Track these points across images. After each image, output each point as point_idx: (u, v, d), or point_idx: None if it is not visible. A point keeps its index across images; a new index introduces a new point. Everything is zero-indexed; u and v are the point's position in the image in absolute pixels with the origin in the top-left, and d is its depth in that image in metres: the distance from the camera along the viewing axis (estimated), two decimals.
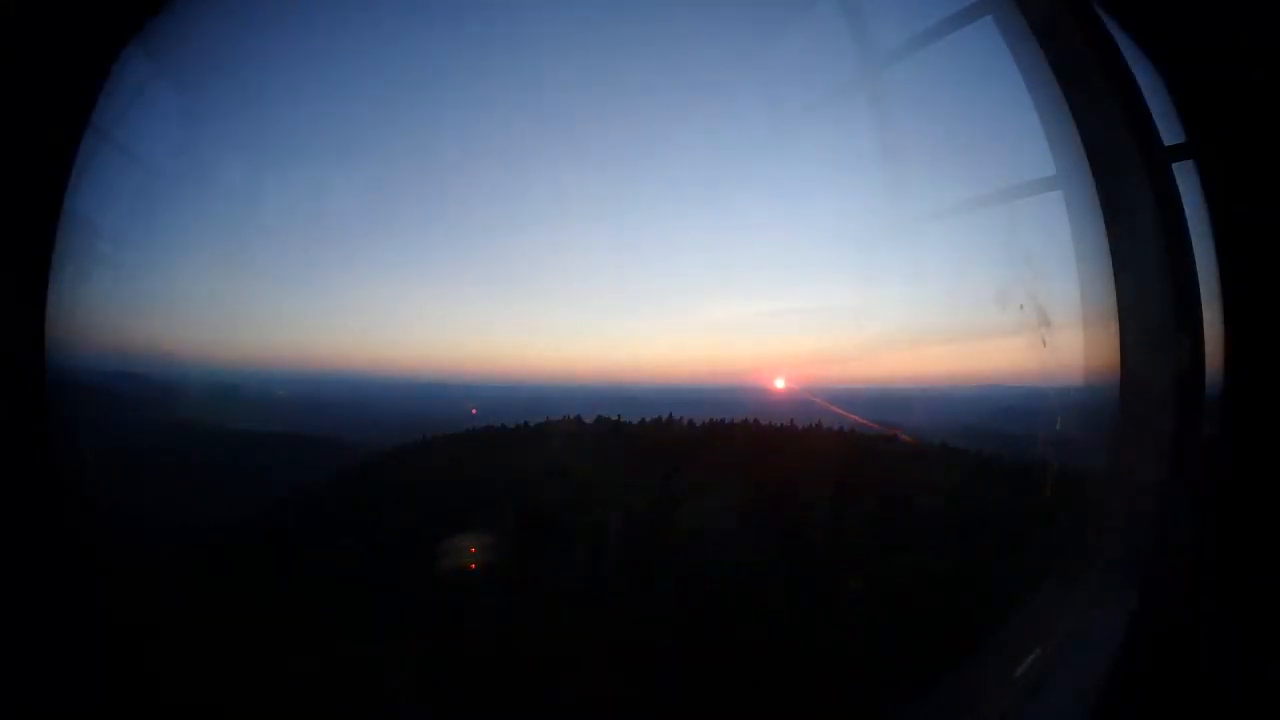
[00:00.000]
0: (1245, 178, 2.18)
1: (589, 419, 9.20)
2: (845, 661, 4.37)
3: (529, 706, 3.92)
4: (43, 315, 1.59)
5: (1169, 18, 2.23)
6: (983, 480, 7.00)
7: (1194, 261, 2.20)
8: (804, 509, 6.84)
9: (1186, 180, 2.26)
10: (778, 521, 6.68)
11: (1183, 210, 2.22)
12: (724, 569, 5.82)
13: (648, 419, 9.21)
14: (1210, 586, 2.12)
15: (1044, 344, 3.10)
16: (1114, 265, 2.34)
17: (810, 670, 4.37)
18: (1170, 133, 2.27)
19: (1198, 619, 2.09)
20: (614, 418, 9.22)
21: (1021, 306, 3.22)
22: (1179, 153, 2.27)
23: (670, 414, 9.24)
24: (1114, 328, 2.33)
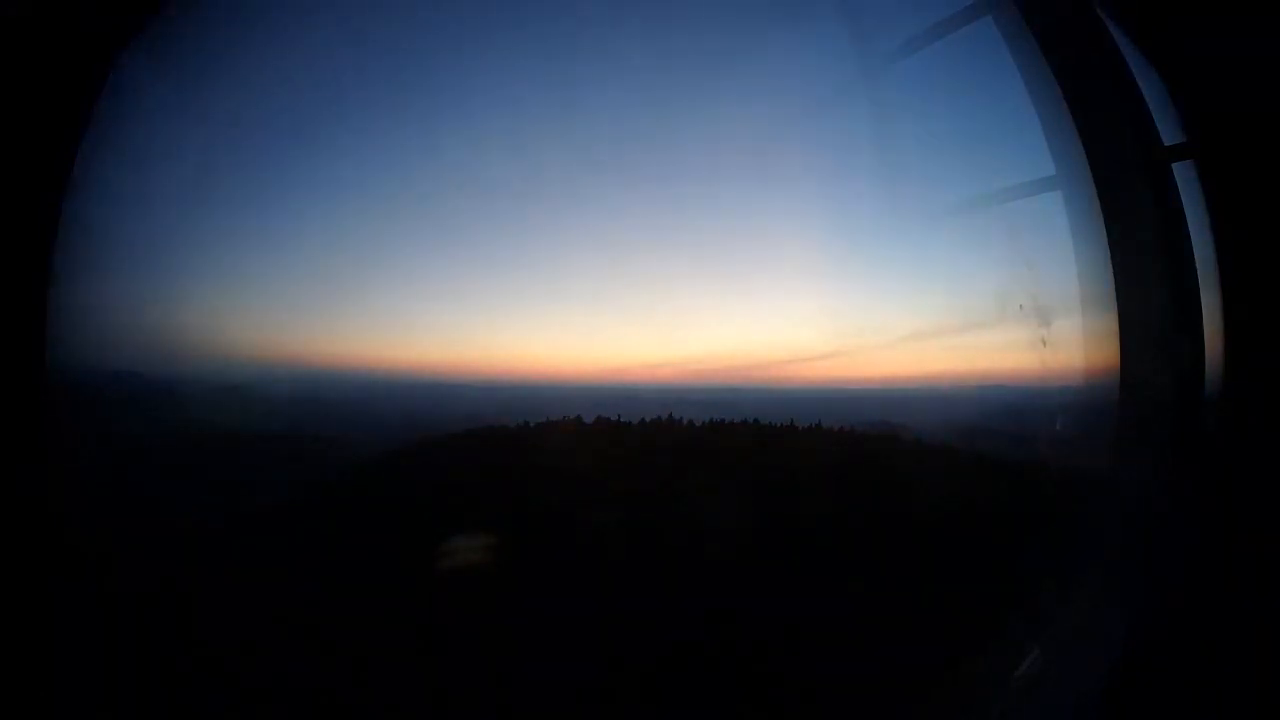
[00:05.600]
0: (1245, 178, 2.18)
1: (589, 419, 9.20)
2: (845, 662, 4.37)
3: (529, 709, 3.92)
4: (43, 315, 1.59)
5: (1169, 18, 2.24)
6: (982, 480, 7.00)
7: (1194, 261, 2.20)
8: (805, 509, 6.84)
9: (1186, 180, 2.26)
10: (779, 521, 6.68)
11: (1183, 210, 2.22)
12: (725, 569, 5.82)
13: (648, 419, 9.21)
14: (1210, 586, 2.12)
15: (1044, 344, 3.10)
16: (1114, 265, 2.34)
17: (810, 671, 4.37)
18: (1170, 133, 2.27)
19: (1198, 619, 2.09)
20: (614, 418, 9.22)
21: (1021, 306, 3.22)
22: (1179, 153, 2.27)
23: (670, 414, 9.24)
24: (1114, 328, 2.33)
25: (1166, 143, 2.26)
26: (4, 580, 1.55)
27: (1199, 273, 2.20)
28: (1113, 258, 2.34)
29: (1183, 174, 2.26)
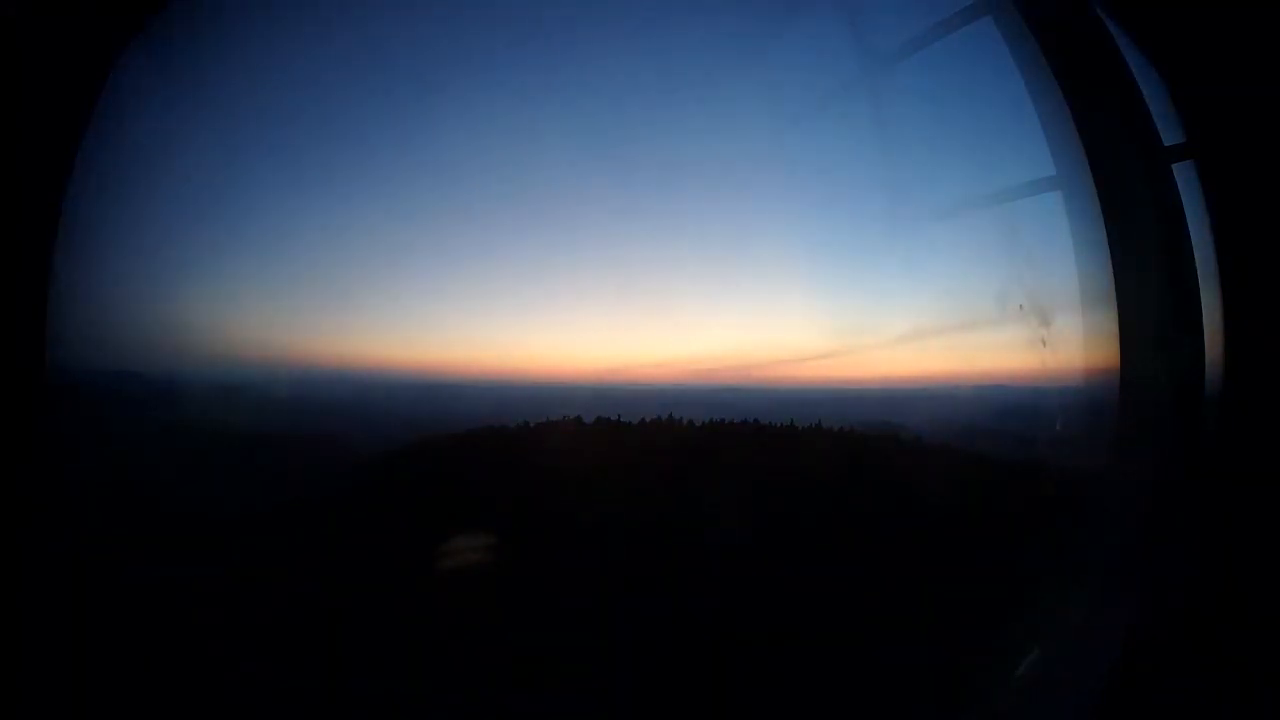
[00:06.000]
0: (1245, 178, 2.18)
1: (589, 419, 9.20)
2: (846, 662, 4.37)
3: (529, 711, 3.92)
4: (44, 315, 1.59)
5: (1169, 18, 2.24)
6: (983, 479, 7.00)
7: (1194, 262, 2.20)
8: (805, 509, 6.84)
9: (1186, 180, 2.26)
10: (780, 521, 6.68)
11: (1183, 210, 2.22)
12: (726, 569, 5.82)
13: (648, 419, 9.21)
14: (1210, 585, 2.12)
15: (1044, 344, 3.10)
16: (1114, 265, 2.34)
17: (811, 671, 4.37)
18: (1170, 133, 2.27)
19: (1198, 618, 2.09)
20: (614, 418, 9.22)
21: (1021, 306, 3.22)
22: (1179, 153, 2.27)
23: (670, 414, 9.24)
24: (1114, 327, 2.33)
25: (1166, 143, 2.26)
26: (4, 579, 1.55)
27: (1199, 273, 2.20)
28: (1113, 257, 2.34)
29: (1183, 174, 2.26)
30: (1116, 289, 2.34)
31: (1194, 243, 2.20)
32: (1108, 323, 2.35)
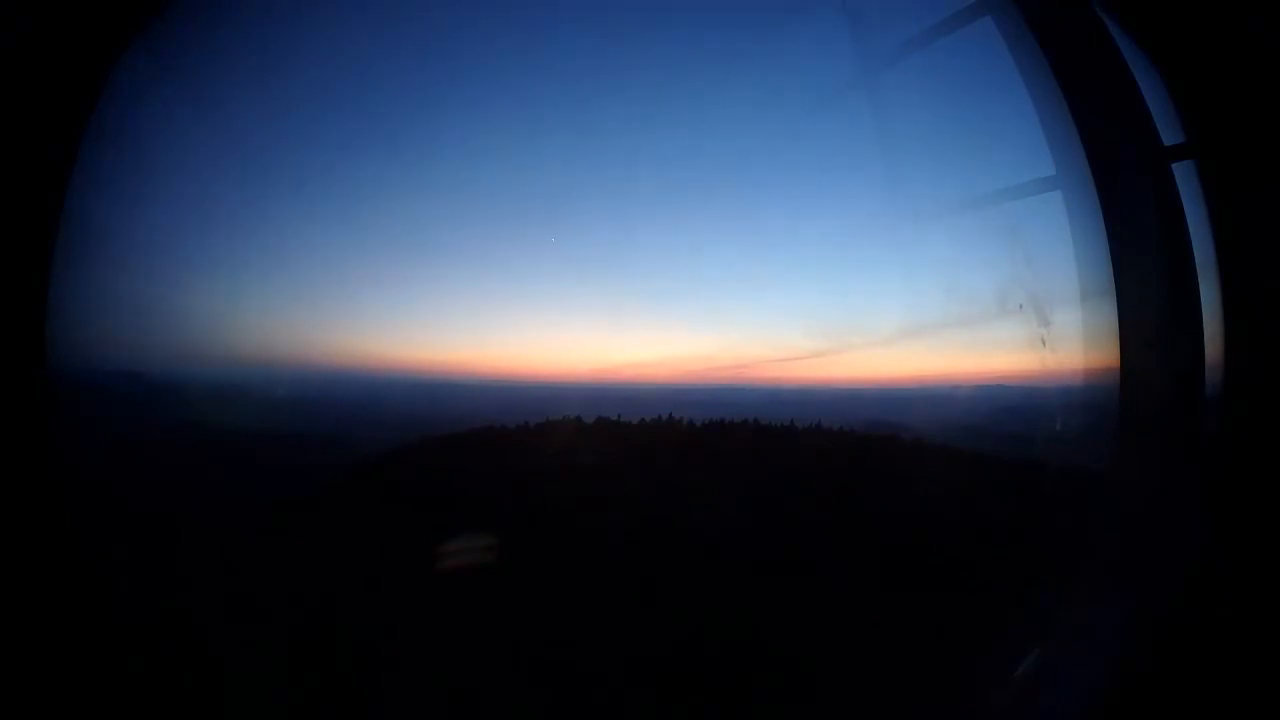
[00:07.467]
0: (1245, 177, 2.19)
1: (589, 419, 9.20)
2: (846, 665, 4.37)
3: (530, 710, 3.93)
4: (44, 315, 1.60)
5: (1169, 18, 2.24)
6: (983, 479, 7.00)
7: (1194, 261, 2.20)
8: (805, 508, 6.84)
9: (1186, 180, 2.27)
10: (779, 522, 6.68)
11: (1183, 210, 2.22)
12: (725, 570, 5.82)
13: (648, 419, 9.21)
14: (1210, 586, 2.12)
15: (1044, 343, 3.10)
16: (1114, 265, 2.34)
17: (811, 674, 4.37)
18: (1170, 133, 2.27)
19: (1197, 619, 2.09)
20: (614, 418, 9.22)
21: (1021, 306, 3.23)
22: (1179, 153, 2.27)
23: (670, 414, 9.24)
24: (1114, 327, 2.33)
25: (1166, 143, 2.26)
26: (6, 580, 1.55)
27: (1199, 272, 2.20)
28: (1113, 257, 2.34)
29: (1183, 174, 2.26)
30: (1116, 288, 2.34)
31: (1194, 243, 2.20)
32: (1107, 322, 2.35)
